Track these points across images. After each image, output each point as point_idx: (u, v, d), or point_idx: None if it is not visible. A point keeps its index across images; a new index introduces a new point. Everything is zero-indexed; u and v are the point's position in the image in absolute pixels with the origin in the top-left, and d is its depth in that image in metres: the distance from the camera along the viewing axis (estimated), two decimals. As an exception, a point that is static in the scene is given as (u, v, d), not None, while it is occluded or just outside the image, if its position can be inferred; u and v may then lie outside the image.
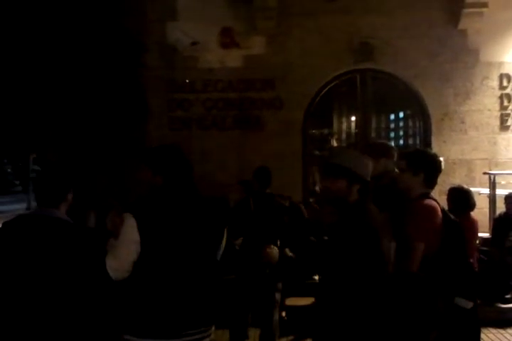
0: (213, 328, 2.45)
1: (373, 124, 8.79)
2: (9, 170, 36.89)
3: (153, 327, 2.25)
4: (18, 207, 22.61)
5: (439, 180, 3.18)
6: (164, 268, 2.31)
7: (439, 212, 2.95)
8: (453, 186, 5.25)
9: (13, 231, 2.55)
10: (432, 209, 2.92)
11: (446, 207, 3.42)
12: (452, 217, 3.04)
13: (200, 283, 2.35)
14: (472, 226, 4.75)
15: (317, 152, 8.65)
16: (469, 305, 2.92)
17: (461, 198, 4.85)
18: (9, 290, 2.48)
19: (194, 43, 8.23)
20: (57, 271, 2.42)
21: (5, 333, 2.45)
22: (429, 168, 3.03)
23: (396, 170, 3.50)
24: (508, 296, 6.19)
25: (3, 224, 2.60)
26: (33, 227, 2.51)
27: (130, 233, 2.33)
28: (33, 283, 2.42)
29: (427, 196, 2.99)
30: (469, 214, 4.84)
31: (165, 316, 2.26)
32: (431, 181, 3.04)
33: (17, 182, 32.91)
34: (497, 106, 8.09)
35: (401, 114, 9.17)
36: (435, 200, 3.00)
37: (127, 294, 2.34)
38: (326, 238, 2.58)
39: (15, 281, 2.48)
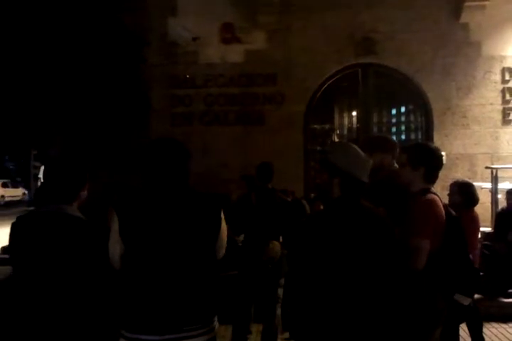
0: (213, 326, 2.41)
1: (375, 119, 8.77)
2: (11, 166, 37.01)
3: (142, 322, 2.26)
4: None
5: (441, 174, 3.13)
6: (146, 264, 2.29)
7: (442, 208, 2.90)
8: (457, 180, 5.19)
9: (25, 226, 2.58)
10: (434, 204, 2.86)
11: (446, 202, 3.38)
12: (453, 213, 3.01)
13: (190, 279, 2.31)
14: (475, 221, 4.72)
15: (319, 147, 8.63)
16: (467, 301, 2.90)
17: (468, 193, 4.80)
18: (22, 283, 2.53)
19: (195, 38, 8.22)
20: (67, 268, 2.45)
21: (15, 326, 2.49)
22: (430, 162, 2.96)
23: (396, 164, 3.45)
24: (510, 291, 6.18)
25: (17, 218, 2.62)
26: (46, 223, 2.52)
27: (113, 228, 2.35)
28: (43, 278, 2.45)
29: (428, 191, 2.94)
30: (473, 209, 4.82)
31: (151, 311, 2.25)
32: (432, 176, 2.97)
33: (19, 179, 33.00)
34: (499, 100, 8.07)
35: (403, 109, 9.14)
36: (437, 195, 2.96)
37: (120, 289, 2.36)
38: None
39: (25, 276, 2.52)
